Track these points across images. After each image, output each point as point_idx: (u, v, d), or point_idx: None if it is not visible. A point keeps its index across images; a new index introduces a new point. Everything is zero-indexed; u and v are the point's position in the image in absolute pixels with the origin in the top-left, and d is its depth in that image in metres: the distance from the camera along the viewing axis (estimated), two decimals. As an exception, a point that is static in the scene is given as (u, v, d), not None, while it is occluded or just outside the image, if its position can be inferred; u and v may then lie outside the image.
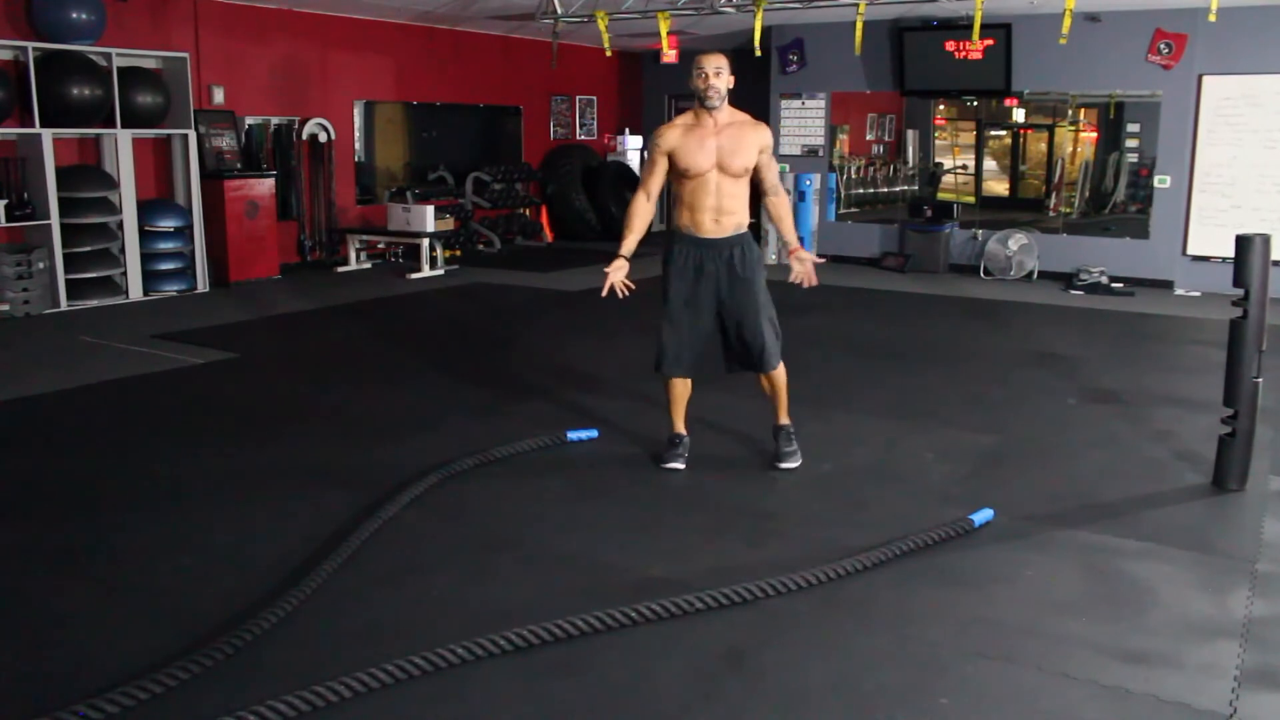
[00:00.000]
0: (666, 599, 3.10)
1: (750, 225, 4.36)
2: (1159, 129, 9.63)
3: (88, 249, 8.21)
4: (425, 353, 6.80)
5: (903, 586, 3.33)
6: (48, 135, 7.84)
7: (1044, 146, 10.64)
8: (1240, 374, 4.14)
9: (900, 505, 4.05)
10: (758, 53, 8.85)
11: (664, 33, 9.11)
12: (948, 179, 11.20)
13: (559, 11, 9.03)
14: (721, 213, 4.21)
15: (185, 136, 8.81)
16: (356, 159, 10.96)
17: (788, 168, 10.85)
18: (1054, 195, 10.52)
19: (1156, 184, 9.71)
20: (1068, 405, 5.59)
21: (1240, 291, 4.09)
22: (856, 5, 8.05)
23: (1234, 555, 3.61)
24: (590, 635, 2.95)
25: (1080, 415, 5.40)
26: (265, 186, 9.47)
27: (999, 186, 11.02)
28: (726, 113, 4.23)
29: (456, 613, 3.11)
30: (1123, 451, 4.79)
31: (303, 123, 10.18)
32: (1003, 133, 10.93)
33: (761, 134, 4.26)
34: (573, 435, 4.81)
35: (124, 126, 8.32)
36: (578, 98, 13.73)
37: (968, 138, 11.10)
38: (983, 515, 3.84)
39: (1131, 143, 9.99)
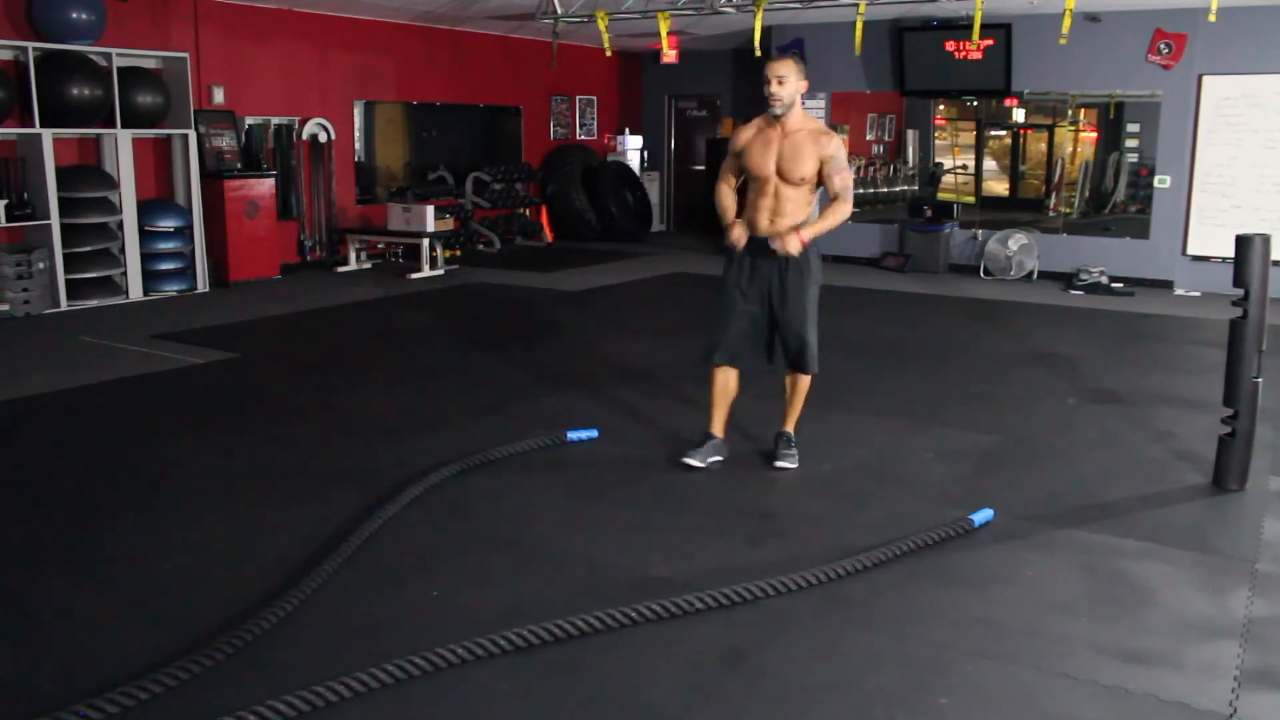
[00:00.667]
0: (666, 599, 3.10)
1: None
2: (1159, 129, 9.63)
3: (88, 249, 8.21)
4: (425, 353, 6.80)
5: (903, 586, 3.33)
6: (48, 135, 7.84)
7: (1044, 146, 10.65)
8: (1240, 374, 4.14)
9: (900, 505, 4.05)
10: (758, 53, 8.82)
11: (664, 33, 9.11)
12: (948, 179, 11.20)
13: (559, 11, 9.03)
14: (777, 214, 4.27)
15: (185, 136, 8.81)
16: (356, 159, 10.96)
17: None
18: (1054, 195, 10.53)
19: (1156, 184, 9.71)
20: (1068, 405, 5.59)
21: (1240, 291, 4.09)
22: (856, 5, 8.05)
23: (1234, 555, 3.61)
24: (590, 635, 2.94)
25: (1080, 415, 5.41)
26: (265, 186, 9.47)
27: (999, 186, 11.02)
28: (797, 118, 4.22)
29: (456, 613, 3.11)
30: (1123, 451, 4.79)
31: (303, 123, 10.18)
32: (1003, 133, 10.94)
33: (824, 144, 4.19)
34: (573, 435, 4.81)
35: (124, 126, 8.32)
36: (578, 98, 13.73)
37: (968, 138, 11.10)
38: (983, 515, 3.84)
39: (1131, 143, 9.99)
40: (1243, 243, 4.06)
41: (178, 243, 8.81)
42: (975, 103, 10.88)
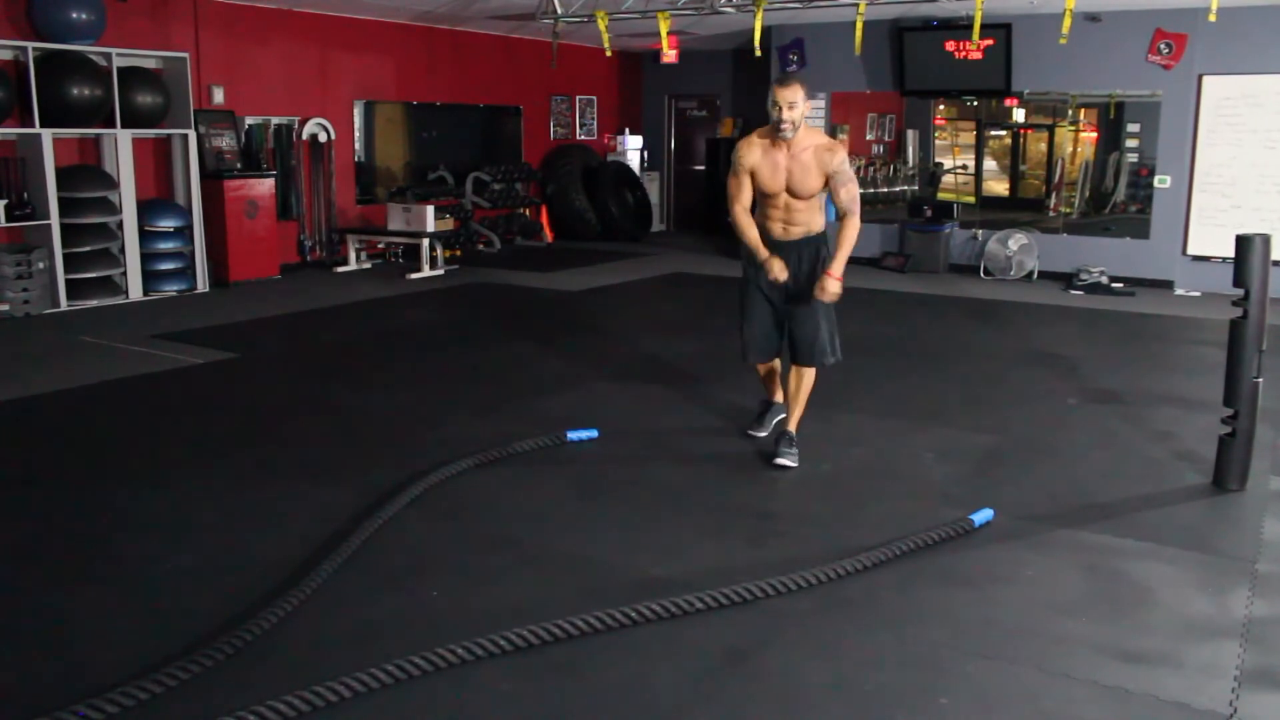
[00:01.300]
0: (666, 599, 3.10)
1: (824, 233, 4.59)
2: (1159, 129, 9.63)
3: (88, 249, 8.21)
4: (425, 353, 6.80)
5: (903, 586, 3.33)
6: (48, 135, 7.84)
7: (1044, 146, 10.64)
8: (1240, 374, 4.14)
9: (900, 505, 4.05)
10: (758, 53, 8.85)
11: (664, 33, 9.11)
12: (948, 179, 11.19)
13: (559, 11, 9.03)
14: (790, 223, 4.51)
15: (185, 136, 8.82)
16: (356, 159, 10.96)
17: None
18: (1054, 195, 10.52)
19: (1156, 184, 9.71)
20: (1068, 405, 5.59)
21: (1240, 291, 4.09)
22: (856, 5, 8.05)
23: (1234, 555, 3.61)
24: (590, 635, 2.95)
25: (1080, 415, 5.41)
26: (265, 186, 9.47)
27: (999, 186, 11.01)
28: (802, 136, 4.38)
29: (456, 613, 3.11)
30: (1123, 451, 4.79)
31: (303, 123, 10.18)
32: (1003, 133, 10.93)
33: (829, 159, 4.36)
34: (573, 435, 4.81)
35: (124, 126, 8.32)
36: (578, 98, 13.73)
37: (968, 138, 11.09)
38: (983, 515, 3.84)
39: (1131, 143, 9.99)
40: (1243, 243, 4.06)
41: (178, 243, 8.81)
42: (975, 103, 10.88)
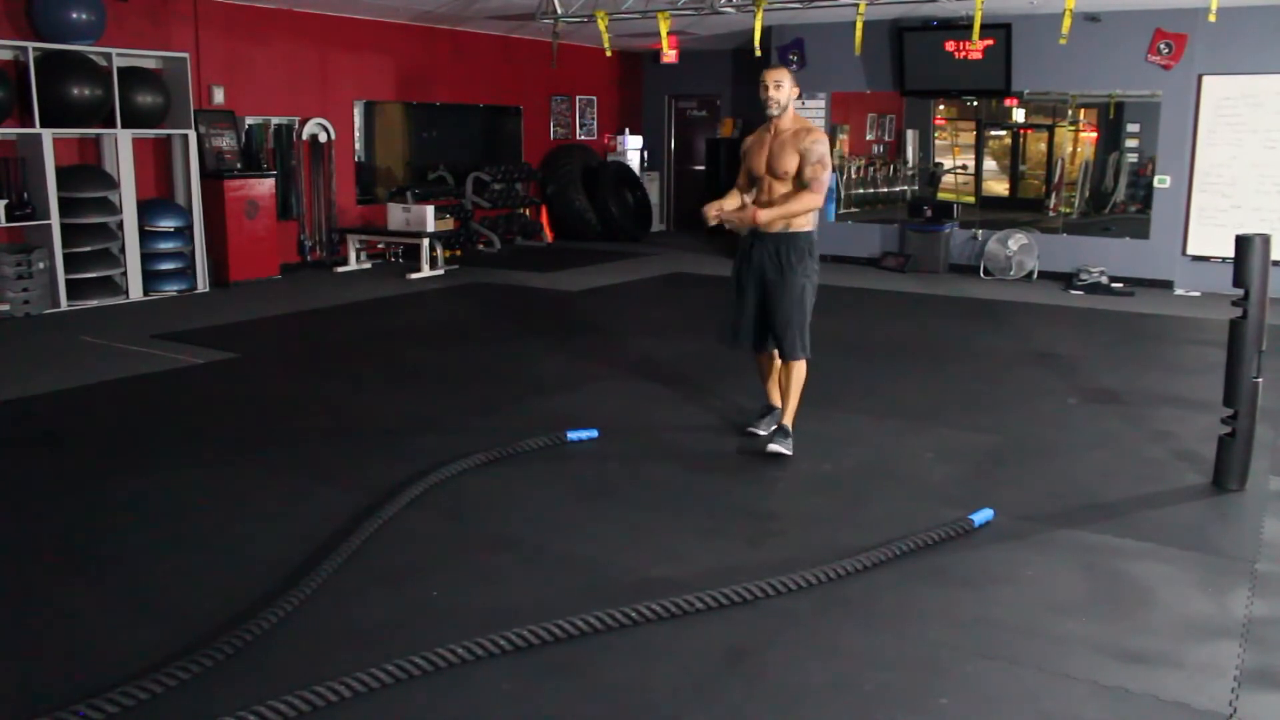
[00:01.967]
0: (666, 599, 3.10)
1: (805, 232, 4.62)
2: (1159, 129, 9.63)
3: (88, 249, 8.21)
4: (425, 353, 6.80)
5: (903, 586, 3.33)
6: (48, 135, 7.84)
7: (1044, 146, 10.65)
8: (1240, 374, 4.14)
9: (900, 505, 4.05)
10: (758, 53, 8.85)
11: (664, 33, 9.11)
12: (948, 179, 11.20)
13: (559, 11, 9.03)
14: (770, 206, 4.57)
15: (185, 136, 8.82)
16: (356, 159, 10.96)
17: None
18: (1054, 195, 10.52)
19: (1156, 184, 9.71)
20: (1068, 405, 5.59)
21: (1240, 291, 4.09)
22: (856, 5, 8.05)
23: (1234, 555, 3.61)
24: (590, 635, 2.95)
25: (1080, 415, 5.41)
26: (265, 186, 9.47)
27: (999, 186, 11.01)
28: (789, 121, 4.60)
29: (456, 613, 3.11)
30: (1123, 451, 4.79)
31: (303, 123, 10.18)
32: (1003, 133, 10.93)
33: (804, 139, 4.54)
34: (573, 435, 4.81)
35: (124, 126, 8.32)
36: (578, 98, 13.73)
37: (968, 138, 11.10)
38: (983, 515, 3.84)
39: (1131, 143, 9.99)
40: (1243, 243, 4.07)
41: (178, 243, 8.81)
42: (975, 103, 10.88)
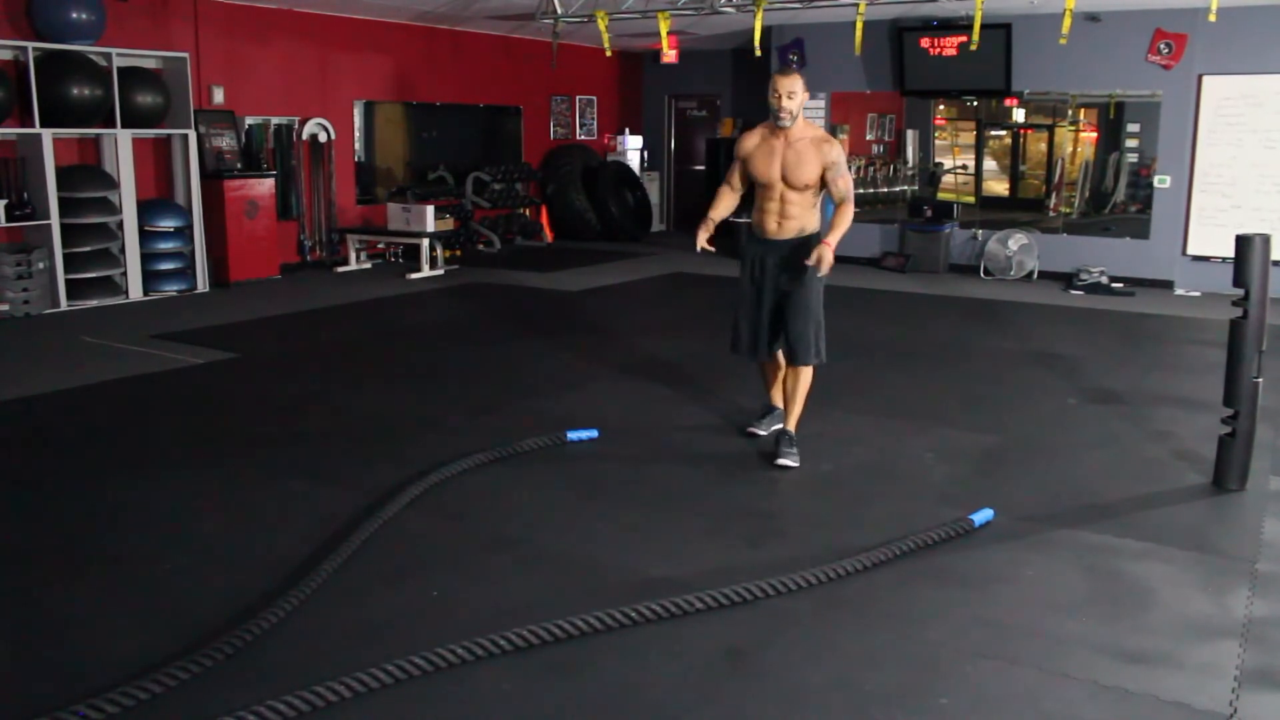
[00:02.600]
0: (666, 599, 3.10)
1: (817, 234, 4.59)
2: (1159, 129, 9.63)
3: (88, 249, 8.21)
4: (425, 353, 6.80)
5: (903, 586, 3.33)
6: (48, 135, 7.84)
7: (1044, 146, 10.64)
8: (1240, 374, 4.14)
9: (900, 505, 4.05)
10: (758, 53, 8.84)
11: (664, 33, 9.10)
12: (948, 179, 11.19)
13: (559, 11, 9.03)
14: (784, 217, 4.54)
15: (185, 136, 8.81)
16: (356, 159, 10.96)
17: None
18: (1054, 195, 10.52)
19: (1156, 184, 9.71)
20: (1068, 405, 5.59)
21: (1240, 291, 4.09)
22: (856, 5, 8.05)
23: (1234, 555, 3.61)
24: (590, 635, 2.95)
25: (1080, 415, 5.40)
26: (265, 186, 9.47)
27: (999, 186, 11.01)
28: (799, 127, 4.48)
29: (456, 613, 3.11)
30: (1123, 451, 4.79)
31: (303, 123, 10.18)
32: (1003, 133, 10.93)
33: (826, 151, 4.44)
34: (573, 435, 4.81)
35: (124, 126, 8.32)
36: (578, 98, 13.73)
37: (968, 138, 11.09)
38: (983, 515, 3.84)
39: (1131, 143, 9.99)
40: (1243, 243, 4.06)
41: (178, 243, 8.81)
42: (975, 103, 10.88)
